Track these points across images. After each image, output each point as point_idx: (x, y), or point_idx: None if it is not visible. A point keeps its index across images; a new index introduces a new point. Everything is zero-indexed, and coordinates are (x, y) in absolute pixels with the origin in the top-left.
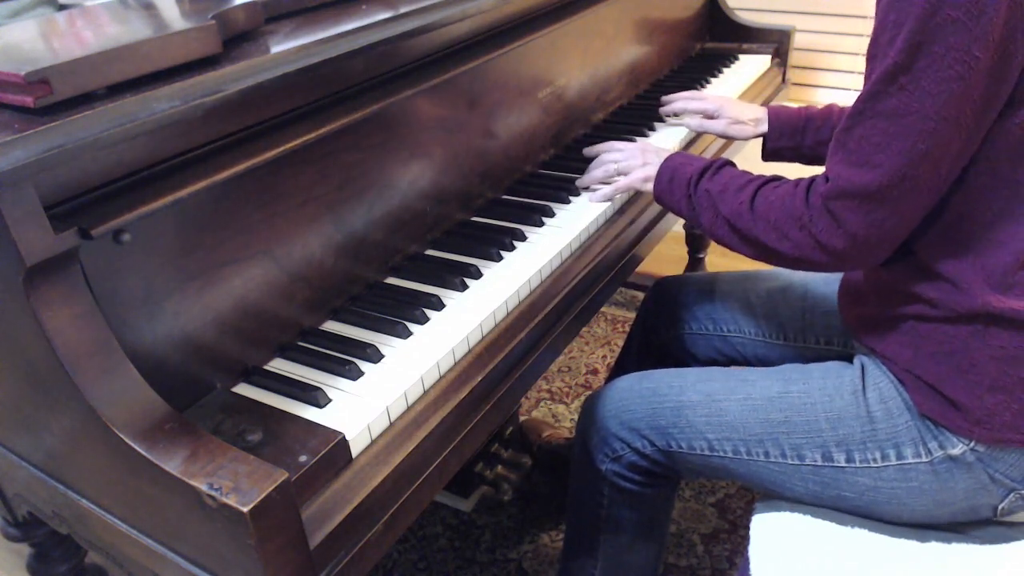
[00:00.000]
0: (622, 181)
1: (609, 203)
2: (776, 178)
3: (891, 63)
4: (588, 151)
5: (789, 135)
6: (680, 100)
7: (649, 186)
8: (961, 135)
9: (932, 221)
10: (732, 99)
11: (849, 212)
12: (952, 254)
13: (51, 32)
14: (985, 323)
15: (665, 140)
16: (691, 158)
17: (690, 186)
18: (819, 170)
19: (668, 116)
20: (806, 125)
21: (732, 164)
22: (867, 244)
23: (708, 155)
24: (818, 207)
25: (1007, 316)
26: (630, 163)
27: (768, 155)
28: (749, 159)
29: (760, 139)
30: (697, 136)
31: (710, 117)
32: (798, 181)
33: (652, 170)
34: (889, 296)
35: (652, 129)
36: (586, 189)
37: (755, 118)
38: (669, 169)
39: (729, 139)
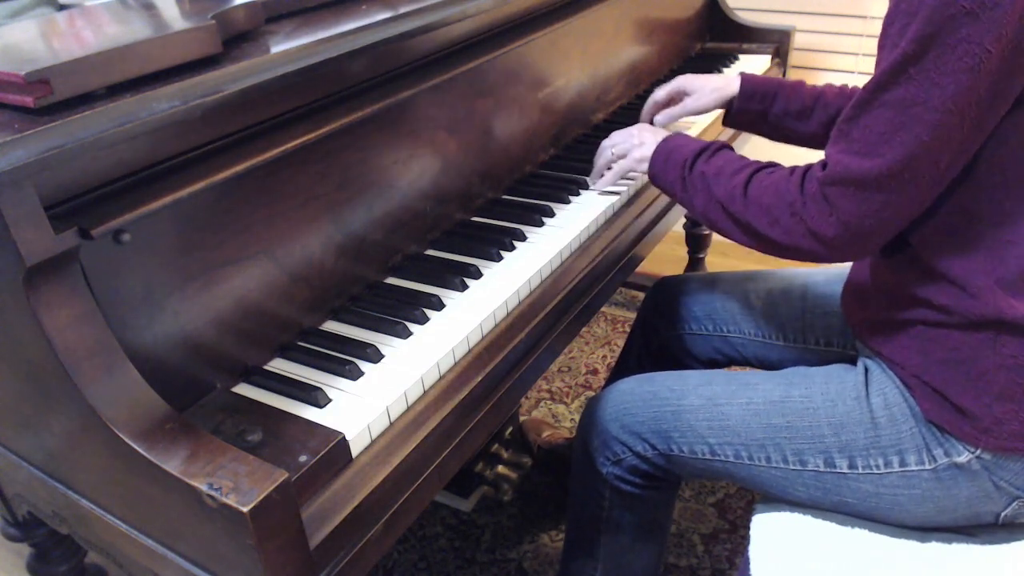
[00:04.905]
0: (619, 164)
1: (609, 205)
2: (772, 164)
3: (901, 53)
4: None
5: (759, 99)
6: (650, 108)
7: (645, 166)
8: (964, 129)
9: (936, 217)
10: (693, 75)
11: (844, 199)
12: (961, 256)
13: (51, 32)
14: (997, 331)
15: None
16: (688, 139)
17: (685, 167)
18: (805, 154)
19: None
20: (777, 92)
21: (729, 148)
22: (859, 233)
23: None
24: (812, 193)
25: (1020, 323)
26: (626, 144)
27: (731, 118)
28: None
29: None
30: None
31: (677, 98)
32: (793, 168)
33: (648, 150)
34: (897, 300)
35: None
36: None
37: (720, 85)
38: (665, 150)
39: (696, 113)
